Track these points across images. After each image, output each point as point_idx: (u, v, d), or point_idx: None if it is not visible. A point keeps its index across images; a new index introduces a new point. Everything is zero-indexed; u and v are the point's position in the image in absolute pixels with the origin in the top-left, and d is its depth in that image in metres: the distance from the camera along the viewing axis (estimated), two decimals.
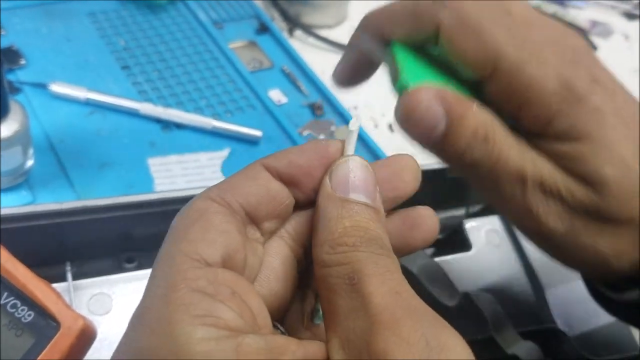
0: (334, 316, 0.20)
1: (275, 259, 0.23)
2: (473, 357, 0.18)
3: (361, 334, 0.18)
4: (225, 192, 0.21)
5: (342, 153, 0.23)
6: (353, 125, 0.23)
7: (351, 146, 0.23)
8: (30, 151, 0.46)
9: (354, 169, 0.22)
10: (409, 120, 0.26)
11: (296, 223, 0.23)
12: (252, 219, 0.22)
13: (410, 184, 0.24)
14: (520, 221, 0.29)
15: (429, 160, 0.59)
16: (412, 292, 0.20)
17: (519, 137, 0.26)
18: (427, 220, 0.25)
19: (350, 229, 0.20)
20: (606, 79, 0.27)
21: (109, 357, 0.20)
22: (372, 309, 0.18)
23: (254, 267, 0.22)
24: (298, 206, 0.23)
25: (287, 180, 0.22)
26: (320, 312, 0.23)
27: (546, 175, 0.26)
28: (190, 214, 0.21)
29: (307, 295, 0.24)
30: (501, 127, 0.26)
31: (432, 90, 0.25)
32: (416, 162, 0.24)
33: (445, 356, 0.18)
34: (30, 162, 0.47)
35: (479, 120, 0.26)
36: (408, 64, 0.35)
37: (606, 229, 0.26)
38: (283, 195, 0.22)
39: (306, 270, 0.24)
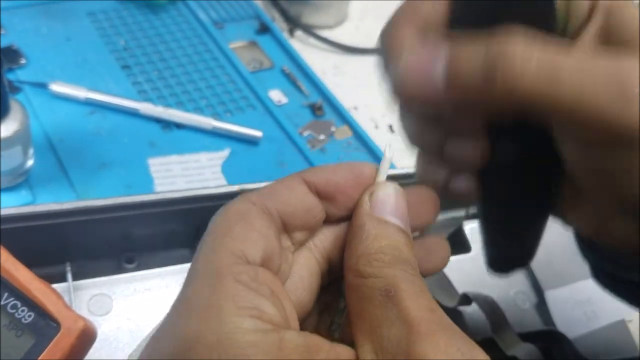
0: (366, 324, 0.20)
1: (302, 269, 0.24)
2: None
3: (397, 342, 0.19)
4: (266, 198, 0.23)
5: (375, 177, 0.24)
6: (388, 154, 0.25)
7: (384, 172, 0.24)
8: (30, 151, 0.46)
9: (392, 194, 0.23)
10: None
11: (325, 237, 0.25)
12: (286, 227, 0.23)
13: (431, 215, 0.25)
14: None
15: None
16: (444, 312, 0.21)
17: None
18: (441, 248, 0.26)
19: (387, 247, 0.22)
20: None
21: (110, 357, 0.21)
22: (410, 320, 0.19)
23: (285, 273, 0.23)
24: (328, 221, 0.24)
25: (323, 195, 0.24)
26: (338, 324, 0.24)
27: None
28: (232, 214, 0.22)
29: (324, 308, 0.25)
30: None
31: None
32: (436, 195, 0.26)
33: None
34: (30, 162, 0.47)
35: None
36: None
37: None
38: (317, 209, 0.24)
39: (328, 284, 0.25)
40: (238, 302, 0.19)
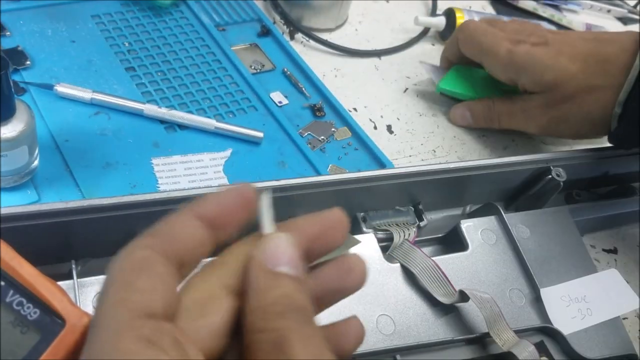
0: None
1: (211, 312, 0.24)
2: None
3: None
4: (163, 242, 0.23)
5: (261, 229, 0.25)
6: (265, 200, 0.25)
7: (267, 221, 0.25)
8: (36, 151, 0.47)
9: (281, 245, 0.24)
10: None
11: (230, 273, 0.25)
12: (182, 267, 0.23)
13: (340, 236, 0.27)
14: None
15: (428, 162, 0.60)
16: (331, 355, 0.22)
17: None
18: (359, 265, 0.26)
19: (279, 298, 0.22)
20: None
21: None
22: None
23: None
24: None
25: (215, 226, 0.24)
26: None
27: None
28: (132, 264, 0.22)
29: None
30: None
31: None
32: (345, 216, 0.27)
33: None
34: (35, 162, 0.48)
35: None
36: (449, 75, 0.67)
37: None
38: (208, 243, 0.24)
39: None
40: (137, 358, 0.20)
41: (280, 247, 0.24)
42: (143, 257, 0.22)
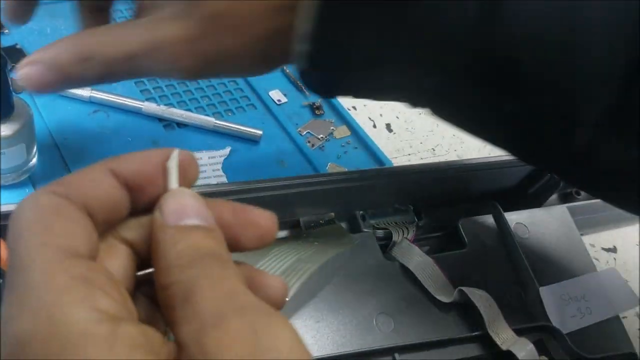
0: (172, 329, 0.20)
1: (116, 264, 0.23)
2: (301, 341, 0.19)
3: (194, 338, 0.19)
4: (72, 193, 0.21)
5: (165, 188, 0.23)
6: (172, 162, 0.24)
7: (174, 179, 0.23)
8: (34, 149, 0.47)
9: (185, 198, 0.23)
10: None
11: (133, 230, 0.24)
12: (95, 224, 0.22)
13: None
14: None
15: (427, 161, 0.60)
16: (247, 292, 0.20)
17: None
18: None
19: (183, 251, 0.21)
20: None
21: None
22: (201, 314, 0.19)
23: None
24: (134, 211, 0.24)
25: (131, 187, 0.23)
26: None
27: None
28: (45, 208, 0.21)
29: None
30: None
31: None
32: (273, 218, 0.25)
33: (273, 342, 0.19)
34: (34, 160, 0.48)
35: None
36: None
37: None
38: (124, 204, 0.23)
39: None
40: (71, 295, 0.19)
41: (184, 200, 0.23)
42: (54, 202, 0.21)
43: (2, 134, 0.43)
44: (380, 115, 0.64)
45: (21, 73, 0.32)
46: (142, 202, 0.23)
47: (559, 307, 0.46)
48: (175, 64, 0.32)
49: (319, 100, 0.62)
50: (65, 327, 0.18)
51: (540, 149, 0.34)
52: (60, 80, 0.32)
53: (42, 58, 0.32)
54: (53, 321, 0.18)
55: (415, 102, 0.35)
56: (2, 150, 0.44)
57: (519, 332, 0.44)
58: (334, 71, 0.32)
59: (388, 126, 0.64)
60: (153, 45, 0.32)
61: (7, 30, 0.58)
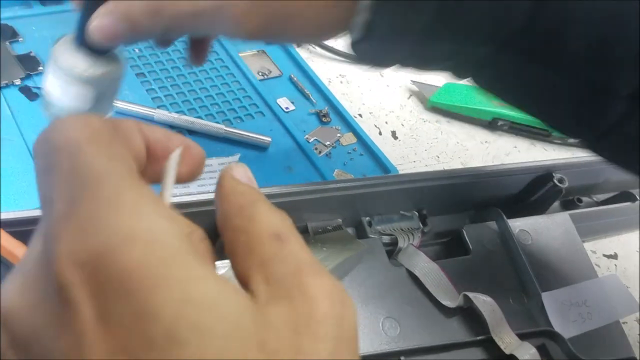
0: (256, 259, 0.21)
1: None
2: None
3: (291, 277, 0.20)
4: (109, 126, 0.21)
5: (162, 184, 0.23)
6: (171, 162, 0.23)
7: (170, 180, 0.23)
8: (106, 107, 0.40)
9: (243, 169, 0.24)
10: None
11: None
12: None
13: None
14: None
15: (431, 168, 0.61)
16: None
17: None
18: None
19: (262, 197, 0.23)
20: None
21: None
22: (303, 262, 0.21)
23: None
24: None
25: (149, 151, 0.23)
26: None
27: None
28: (100, 128, 0.20)
29: None
30: None
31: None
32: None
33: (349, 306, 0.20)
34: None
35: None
36: (441, 91, 0.67)
37: None
38: (141, 163, 0.23)
39: None
40: (150, 208, 0.18)
41: (244, 171, 0.24)
42: (108, 125, 0.21)
43: (77, 68, 0.35)
44: (386, 122, 0.66)
45: (94, 24, 0.33)
46: (146, 173, 0.23)
47: (561, 312, 0.47)
48: (240, 23, 0.34)
49: (325, 108, 0.63)
50: (152, 241, 0.17)
51: (574, 119, 0.37)
52: (129, 32, 0.33)
53: (114, 10, 0.33)
54: (136, 234, 0.17)
55: (459, 72, 0.38)
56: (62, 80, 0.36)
57: (522, 337, 0.45)
58: (390, 41, 0.34)
59: (393, 134, 0.65)
60: (221, 3, 0.33)
61: (21, 39, 0.59)
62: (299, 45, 0.68)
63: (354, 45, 0.34)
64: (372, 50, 0.35)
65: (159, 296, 0.16)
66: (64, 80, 0.36)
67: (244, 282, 0.21)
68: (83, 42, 0.35)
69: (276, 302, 0.19)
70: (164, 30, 0.34)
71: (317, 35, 0.37)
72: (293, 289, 0.20)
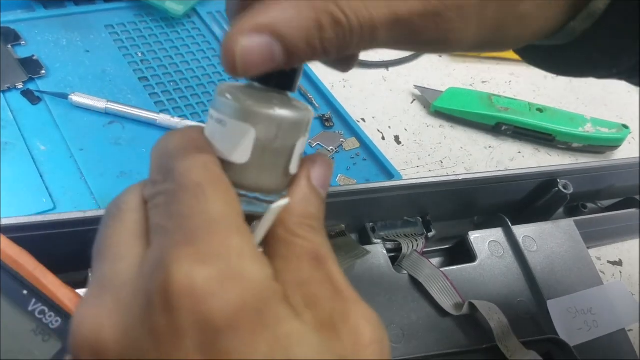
0: (294, 276, 0.22)
1: None
2: None
3: (328, 299, 0.22)
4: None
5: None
6: (270, 215, 0.24)
7: (263, 230, 0.24)
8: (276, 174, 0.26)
9: (327, 170, 0.25)
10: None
11: None
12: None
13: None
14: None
15: (436, 173, 0.61)
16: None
17: None
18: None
19: (315, 214, 0.24)
20: None
21: None
22: (338, 285, 0.22)
23: None
24: None
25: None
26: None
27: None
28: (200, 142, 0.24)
29: None
30: None
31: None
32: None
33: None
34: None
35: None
36: (444, 96, 0.65)
37: None
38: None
39: None
40: (256, 251, 0.21)
41: (326, 172, 0.25)
42: (212, 165, 0.23)
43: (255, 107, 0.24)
44: (389, 127, 0.65)
45: (238, 49, 0.22)
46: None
47: (566, 320, 0.47)
48: (455, 33, 0.25)
49: (328, 112, 0.63)
50: (249, 283, 0.20)
51: None
52: (293, 57, 0.22)
53: (268, 24, 0.22)
54: (237, 275, 0.20)
55: None
56: (221, 118, 0.24)
57: (527, 345, 0.45)
58: (604, 52, 0.28)
59: (396, 138, 0.64)
60: (434, 6, 0.24)
61: (24, 42, 0.59)
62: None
63: (552, 50, 0.29)
64: (577, 59, 0.29)
65: (255, 336, 0.19)
66: (222, 116, 0.25)
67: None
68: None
69: (323, 330, 0.21)
70: (342, 49, 0.23)
71: (537, 38, 0.28)
72: (335, 316, 0.21)
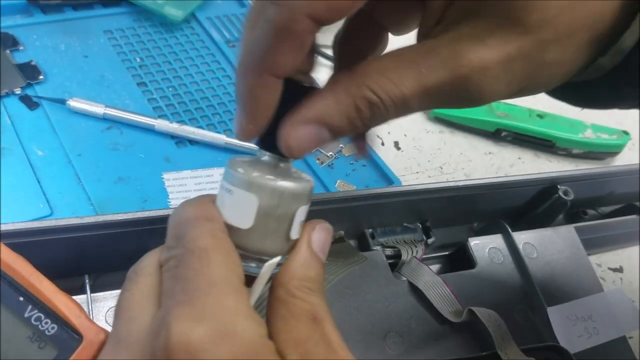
0: (292, 335, 0.25)
1: None
2: None
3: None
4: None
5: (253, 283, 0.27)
6: (267, 269, 0.27)
7: (260, 284, 0.27)
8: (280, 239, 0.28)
9: (327, 235, 0.28)
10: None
11: None
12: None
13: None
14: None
15: (435, 179, 0.61)
16: None
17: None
18: None
19: (315, 277, 0.26)
20: None
21: None
22: (334, 344, 0.24)
23: None
24: None
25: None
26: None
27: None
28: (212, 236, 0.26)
29: None
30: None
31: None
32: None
33: None
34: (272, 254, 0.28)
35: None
36: None
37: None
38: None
39: None
40: (251, 312, 0.24)
41: (326, 237, 0.28)
42: (219, 232, 0.26)
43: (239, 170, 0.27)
44: (388, 133, 0.65)
45: (292, 140, 0.26)
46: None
47: (567, 327, 0.47)
48: (485, 93, 0.26)
49: None
50: (240, 339, 0.22)
51: None
52: (338, 135, 0.27)
53: (314, 117, 0.26)
54: (230, 332, 0.22)
55: None
56: (230, 187, 0.27)
57: (527, 352, 0.44)
58: (633, 85, 0.28)
59: (396, 144, 0.64)
60: (460, 76, 0.25)
61: (22, 47, 0.59)
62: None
63: (594, 81, 0.28)
64: (624, 81, 0.28)
65: None
66: (230, 186, 0.27)
67: (279, 350, 0.24)
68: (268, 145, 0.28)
69: None
70: (380, 122, 0.27)
71: (566, 80, 0.28)
72: None
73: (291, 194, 0.27)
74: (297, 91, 0.27)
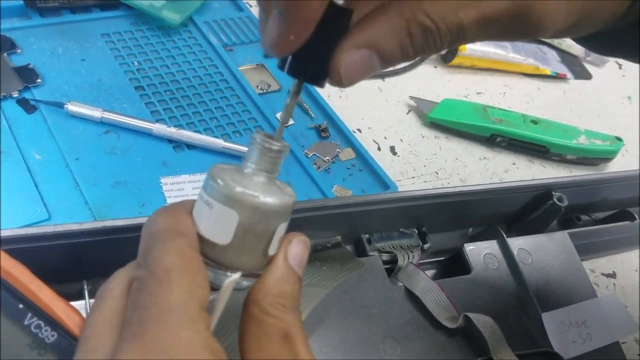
0: (263, 353, 0.24)
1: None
2: None
3: None
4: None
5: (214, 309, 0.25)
6: (228, 286, 0.26)
7: (221, 303, 0.26)
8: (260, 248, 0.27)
9: (303, 249, 0.27)
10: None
11: None
12: None
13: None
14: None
15: (431, 185, 0.61)
16: None
17: None
18: None
19: (290, 293, 0.26)
20: None
21: None
22: None
23: None
24: None
25: None
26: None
27: None
28: (187, 257, 0.25)
29: None
30: None
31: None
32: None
33: None
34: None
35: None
36: (440, 107, 0.65)
37: None
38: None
39: None
40: (209, 343, 0.23)
41: (302, 251, 0.27)
42: (188, 250, 0.24)
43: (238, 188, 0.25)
44: (385, 138, 0.66)
45: (342, 66, 0.25)
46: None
47: (560, 332, 0.47)
48: (543, 24, 0.25)
49: (324, 123, 0.63)
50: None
51: None
52: (388, 63, 0.26)
53: (366, 41, 0.25)
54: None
55: None
56: (210, 201, 0.26)
57: (522, 357, 0.45)
58: None
59: (392, 149, 0.65)
60: (521, 4, 0.24)
61: (20, 50, 0.59)
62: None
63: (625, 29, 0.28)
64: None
65: None
66: (210, 199, 0.26)
67: None
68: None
69: None
70: (432, 51, 0.26)
71: (614, 18, 0.28)
72: None
73: (273, 212, 0.25)
74: (338, 14, 0.24)
